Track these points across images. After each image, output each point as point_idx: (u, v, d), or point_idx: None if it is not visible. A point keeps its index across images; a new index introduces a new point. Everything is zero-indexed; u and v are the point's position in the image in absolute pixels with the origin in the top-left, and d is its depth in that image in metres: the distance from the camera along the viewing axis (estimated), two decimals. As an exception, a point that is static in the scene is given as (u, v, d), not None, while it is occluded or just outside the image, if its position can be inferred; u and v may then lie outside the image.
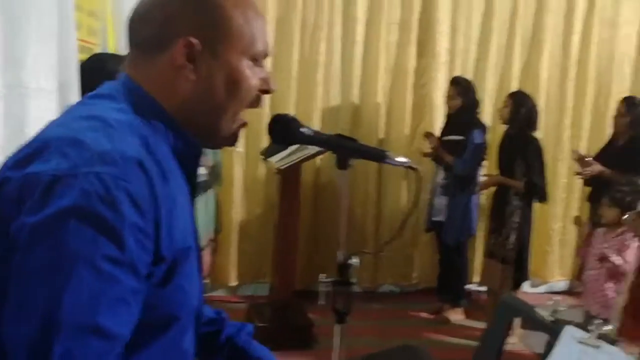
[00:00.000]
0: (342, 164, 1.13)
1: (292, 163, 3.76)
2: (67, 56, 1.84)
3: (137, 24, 0.97)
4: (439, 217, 4.44)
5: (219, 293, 4.80)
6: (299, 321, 3.88)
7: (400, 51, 4.86)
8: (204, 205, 3.72)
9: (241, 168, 4.72)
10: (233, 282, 4.87)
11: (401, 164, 1.15)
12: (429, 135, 4.52)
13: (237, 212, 4.79)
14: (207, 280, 4.20)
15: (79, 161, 0.80)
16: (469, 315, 4.51)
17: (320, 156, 4.24)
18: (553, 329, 1.20)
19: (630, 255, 3.43)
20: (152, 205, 0.83)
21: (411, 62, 4.87)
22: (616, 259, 3.43)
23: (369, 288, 4.96)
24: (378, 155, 1.14)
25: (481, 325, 3.99)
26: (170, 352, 0.92)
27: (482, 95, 4.73)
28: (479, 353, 1.36)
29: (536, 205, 4.33)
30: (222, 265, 4.74)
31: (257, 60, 0.99)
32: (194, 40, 0.93)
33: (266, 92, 1.02)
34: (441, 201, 4.42)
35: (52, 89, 1.76)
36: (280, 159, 3.81)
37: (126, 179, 0.81)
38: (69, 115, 0.93)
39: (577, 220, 4.72)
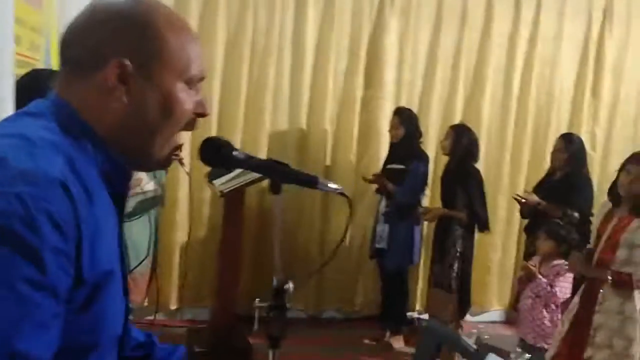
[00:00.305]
0: (275, 189, 1.13)
1: (235, 187, 3.73)
2: (2, 70, 1.80)
3: (70, 42, 0.95)
4: (382, 245, 4.49)
5: (159, 317, 4.69)
6: (239, 346, 3.82)
7: (348, 79, 4.93)
8: (147, 225, 3.65)
9: (186, 190, 4.67)
10: (174, 306, 4.78)
11: (333, 190, 1.16)
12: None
13: (180, 234, 4.71)
14: (146, 304, 4.11)
15: (0, 180, 0.78)
16: (410, 342, 4.53)
17: (266, 180, 4.23)
18: (476, 357, 1.22)
19: (565, 285, 3.54)
20: (74, 227, 0.82)
21: (358, 90, 4.94)
22: (551, 289, 3.53)
23: (312, 314, 4.94)
24: (309, 181, 1.14)
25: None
26: None
27: (426, 126, 4.83)
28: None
29: (476, 236, 4.42)
30: (162, 288, 4.64)
31: (192, 83, 0.98)
32: (127, 62, 0.92)
33: (201, 115, 1.02)
34: (383, 228, 4.47)
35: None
36: (223, 183, 3.78)
37: (47, 200, 0.79)
38: (-7, 132, 0.91)
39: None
